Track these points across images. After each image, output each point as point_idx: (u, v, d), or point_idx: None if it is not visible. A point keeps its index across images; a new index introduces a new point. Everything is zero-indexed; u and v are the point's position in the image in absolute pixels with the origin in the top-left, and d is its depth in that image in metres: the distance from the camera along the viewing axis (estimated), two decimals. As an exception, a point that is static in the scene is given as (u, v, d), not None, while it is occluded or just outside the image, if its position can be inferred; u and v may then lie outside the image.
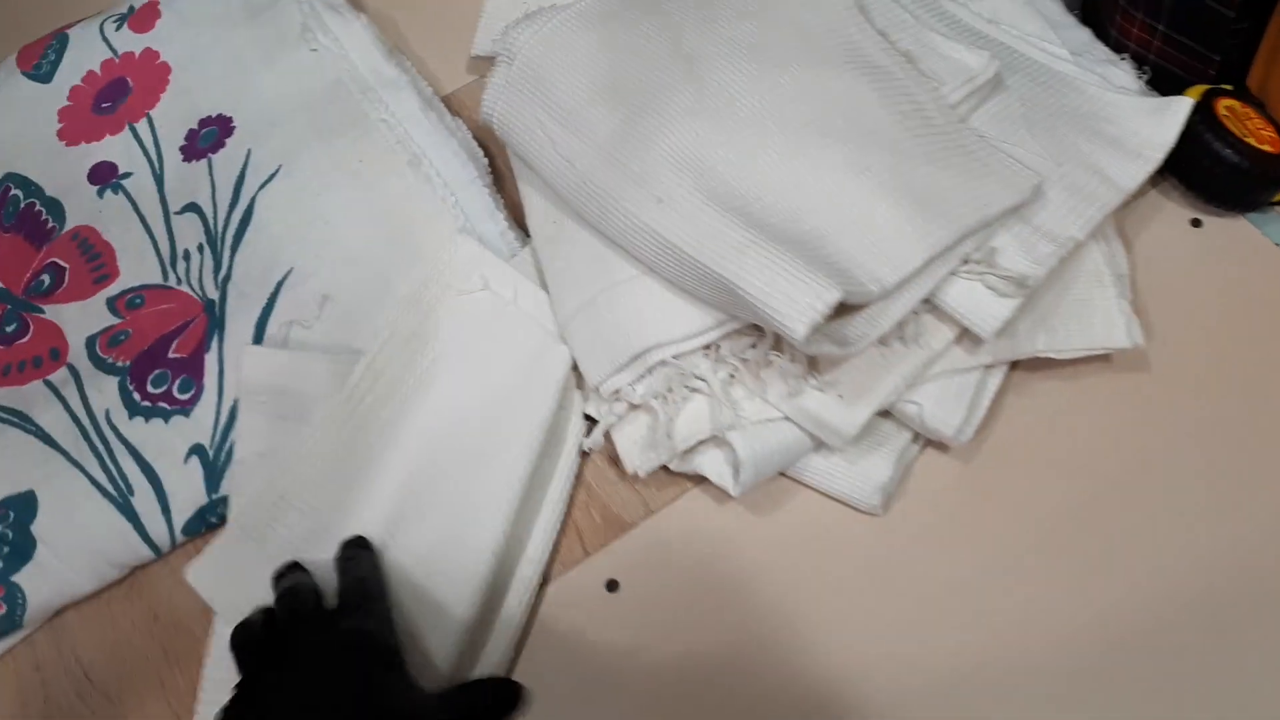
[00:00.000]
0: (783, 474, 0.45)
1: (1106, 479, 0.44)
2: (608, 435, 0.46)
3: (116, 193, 0.53)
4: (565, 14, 0.46)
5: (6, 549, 0.44)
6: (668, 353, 0.44)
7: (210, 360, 0.47)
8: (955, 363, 0.44)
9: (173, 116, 0.54)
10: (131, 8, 0.58)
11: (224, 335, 0.48)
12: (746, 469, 0.43)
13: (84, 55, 0.57)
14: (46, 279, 0.51)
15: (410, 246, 0.49)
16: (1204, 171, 0.47)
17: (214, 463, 0.46)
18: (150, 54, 0.56)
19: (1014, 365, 0.46)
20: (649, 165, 0.43)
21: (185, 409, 0.46)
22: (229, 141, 0.53)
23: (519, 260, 0.50)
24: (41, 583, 0.44)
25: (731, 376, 0.44)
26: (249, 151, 0.52)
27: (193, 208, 0.51)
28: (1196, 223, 0.49)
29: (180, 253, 0.50)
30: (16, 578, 0.44)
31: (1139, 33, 0.50)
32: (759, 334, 0.44)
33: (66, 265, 0.51)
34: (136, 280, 0.50)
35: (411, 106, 0.52)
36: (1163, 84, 0.50)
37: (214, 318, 0.48)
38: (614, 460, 0.46)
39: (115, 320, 0.49)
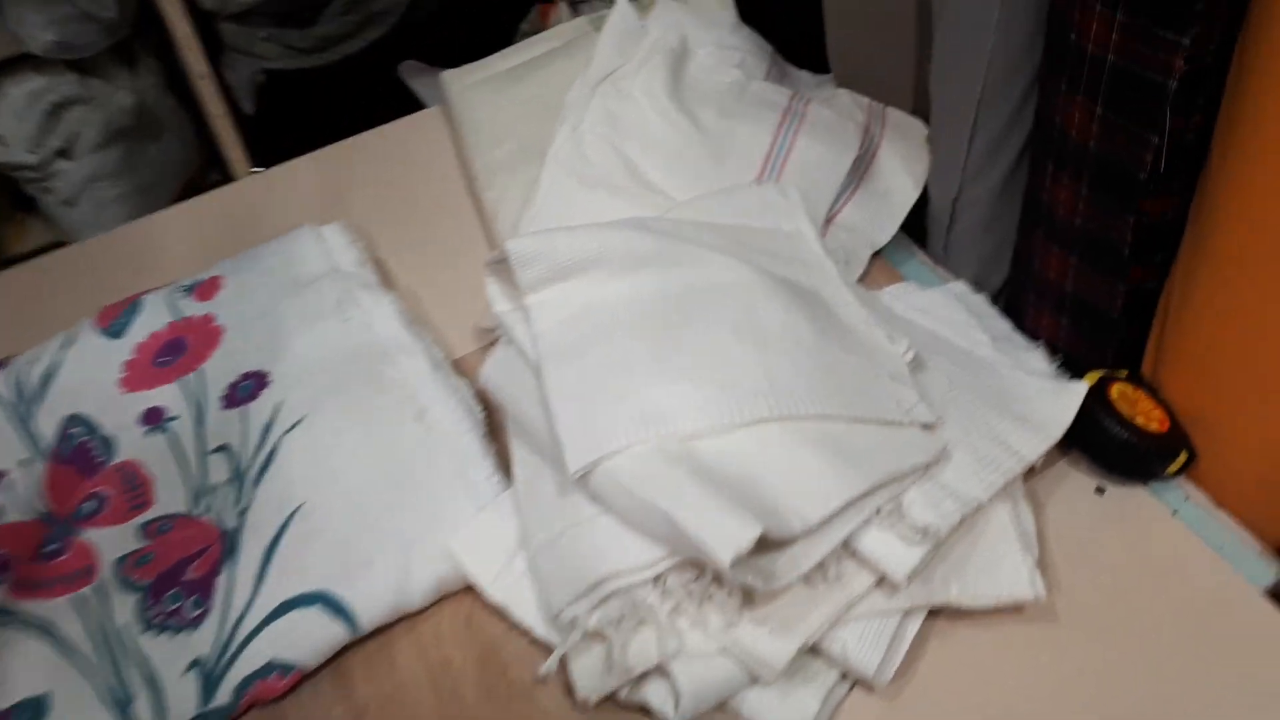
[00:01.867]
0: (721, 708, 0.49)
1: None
2: (562, 662, 0.51)
3: (162, 433, 0.60)
4: (547, 325, 0.57)
5: None
6: (621, 582, 0.49)
7: (221, 582, 0.52)
8: (876, 606, 0.49)
9: (219, 371, 0.62)
10: (198, 280, 0.67)
11: (236, 560, 0.53)
12: (686, 700, 0.47)
13: (153, 318, 0.65)
14: (90, 505, 0.57)
15: (407, 488, 0.56)
16: (1100, 447, 0.55)
17: (211, 674, 0.50)
18: (207, 318, 0.65)
19: (935, 613, 0.51)
20: (615, 423, 0.51)
21: (193, 625, 0.51)
22: (262, 394, 0.60)
23: (501, 500, 0.56)
24: None
25: (676, 608, 0.49)
26: (279, 403, 0.59)
27: (224, 449, 0.58)
28: (1100, 490, 0.56)
29: (209, 487, 0.57)
30: None
31: (1049, 323, 0.61)
32: (702, 569, 0.49)
33: (109, 494, 0.57)
34: (168, 510, 0.56)
35: (421, 367, 0.60)
36: (1070, 368, 0.58)
37: (228, 544, 0.54)
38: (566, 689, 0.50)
39: (144, 543, 0.55)
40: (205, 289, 0.67)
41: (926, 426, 0.52)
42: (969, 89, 0.59)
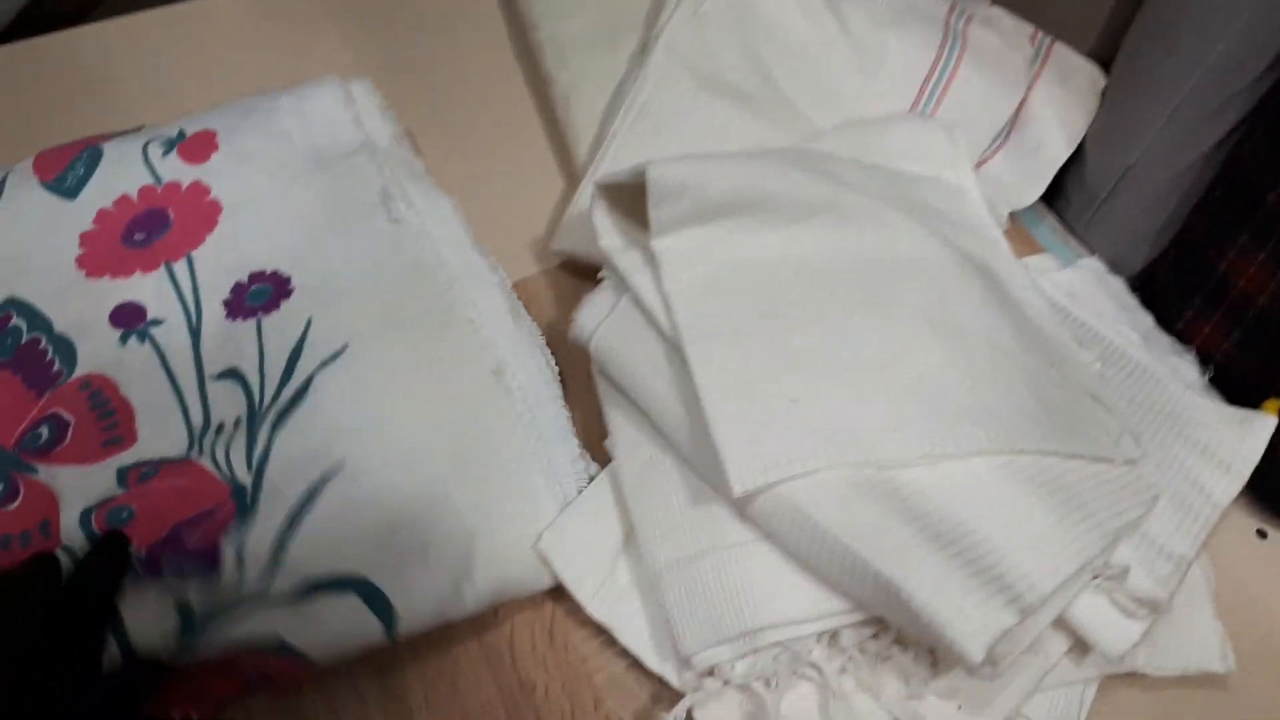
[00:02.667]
0: None
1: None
2: (690, 714, 0.41)
3: (143, 342, 0.45)
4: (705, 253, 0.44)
5: None
6: (783, 634, 0.40)
7: (228, 553, 0.40)
8: (1065, 675, 0.43)
9: (218, 263, 0.47)
10: (183, 133, 0.50)
11: (250, 526, 0.40)
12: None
13: (119, 176, 0.49)
14: (45, 432, 0.42)
15: (475, 462, 0.43)
16: (1273, 485, 0.48)
17: (197, 621, 0.39)
18: (199, 189, 0.49)
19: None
20: (793, 437, 0.41)
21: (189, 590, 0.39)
22: (285, 305, 0.46)
23: (596, 488, 0.45)
24: None
25: (843, 670, 0.41)
26: (310, 320, 0.45)
27: (234, 375, 0.44)
28: (1262, 534, 0.50)
29: (214, 426, 0.43)
30: None
31: (1211, 331, 0.52)
32: (881, 625, 0.41)
33: (71, 419, 0.43)
34: (155, 451, 0.42)
35: (500, 307, 0.47)
36: (1226, 386, 0.51)
37: (243, 506, 0.41)
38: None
39: (119, 491, 0.41)
40: (194, 147, 0.50)
41: (1130, 462, 0.44)
42: (1201, 49, 0.49)
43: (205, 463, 0.42)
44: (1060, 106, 0.57)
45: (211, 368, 0.45)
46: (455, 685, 0.43)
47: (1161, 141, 0.53)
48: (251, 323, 0.46)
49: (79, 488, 0.41)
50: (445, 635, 0.43)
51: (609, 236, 0.46)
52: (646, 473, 0.44)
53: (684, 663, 0.41)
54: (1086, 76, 0.57)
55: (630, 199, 0.46)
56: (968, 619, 0.35)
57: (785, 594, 0.40)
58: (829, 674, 0.40)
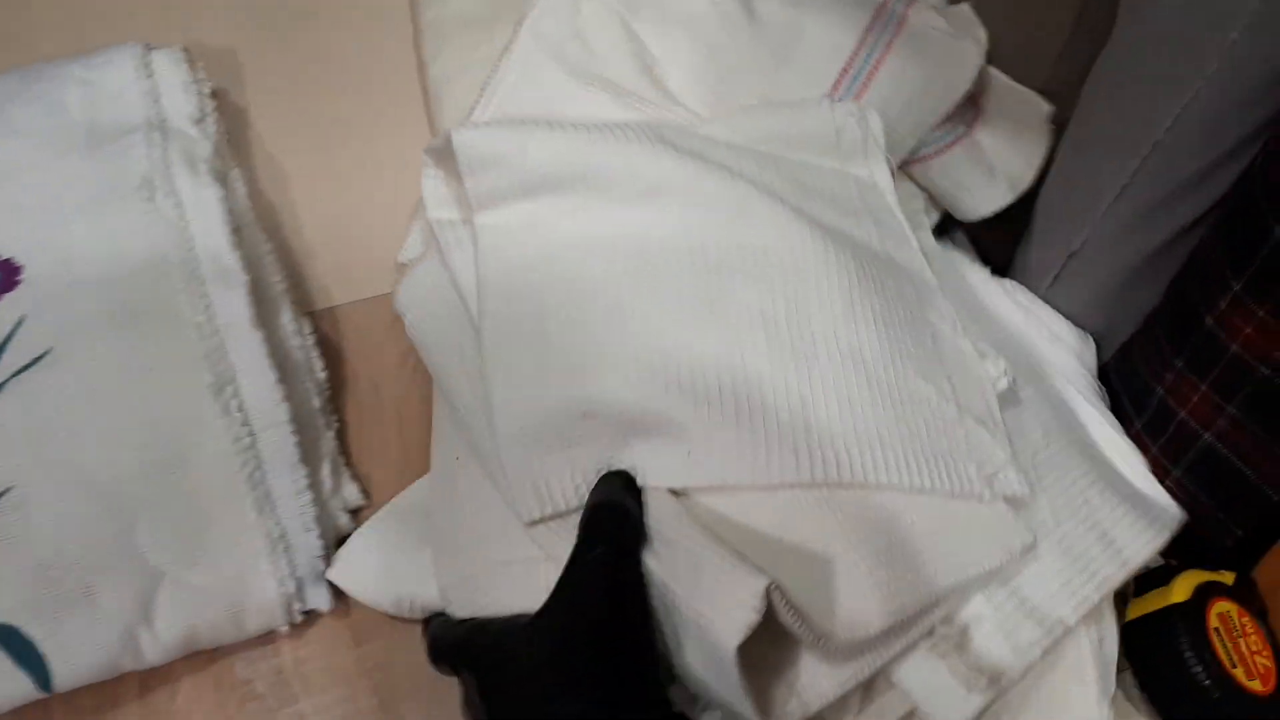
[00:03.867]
0: None
1: None
2: None
3: None
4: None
5: None
6: None
7: None
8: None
9: None
10: None
11: None
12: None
13: None
14: None
15: (171, 491, 0.39)
16: (1170, 691, 0.40)
17: None
18: None
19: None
20: (583, 463, 0.37)
21: None
22: (6, 299, 0.41)
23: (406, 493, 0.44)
24: None
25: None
26: (21, 319, 0.40)
27: None
28: None
29: None
30: None
31: (1199, 403, 0.43)
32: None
33: None
34: None
35: (240, 314, 0.42)
36: (1211, 469, 0.42)
37: None
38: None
39: None
40: None
41: (1012, 501, 0.38)
42: (1151, 121, 0.42)
43: None
44: (1014, 131, 0.51)
45: None
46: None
47: (1108, 225, 0.46)
48: None
49: None
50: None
51: (439, 208, 0.44)
52: (451, 477, 0.42)
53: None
54: (1034, 107, 0.51)
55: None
56: (728, 615, 0.32)
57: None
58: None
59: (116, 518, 0.38)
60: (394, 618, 0.43)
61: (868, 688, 0.37)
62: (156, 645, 0.38)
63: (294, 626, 0.42)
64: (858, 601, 0.34)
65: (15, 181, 0.43)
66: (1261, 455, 0.40)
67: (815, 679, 0.35)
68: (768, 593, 0.33)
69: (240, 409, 0.41)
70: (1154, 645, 0.40)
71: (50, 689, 0.37)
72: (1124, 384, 0.47)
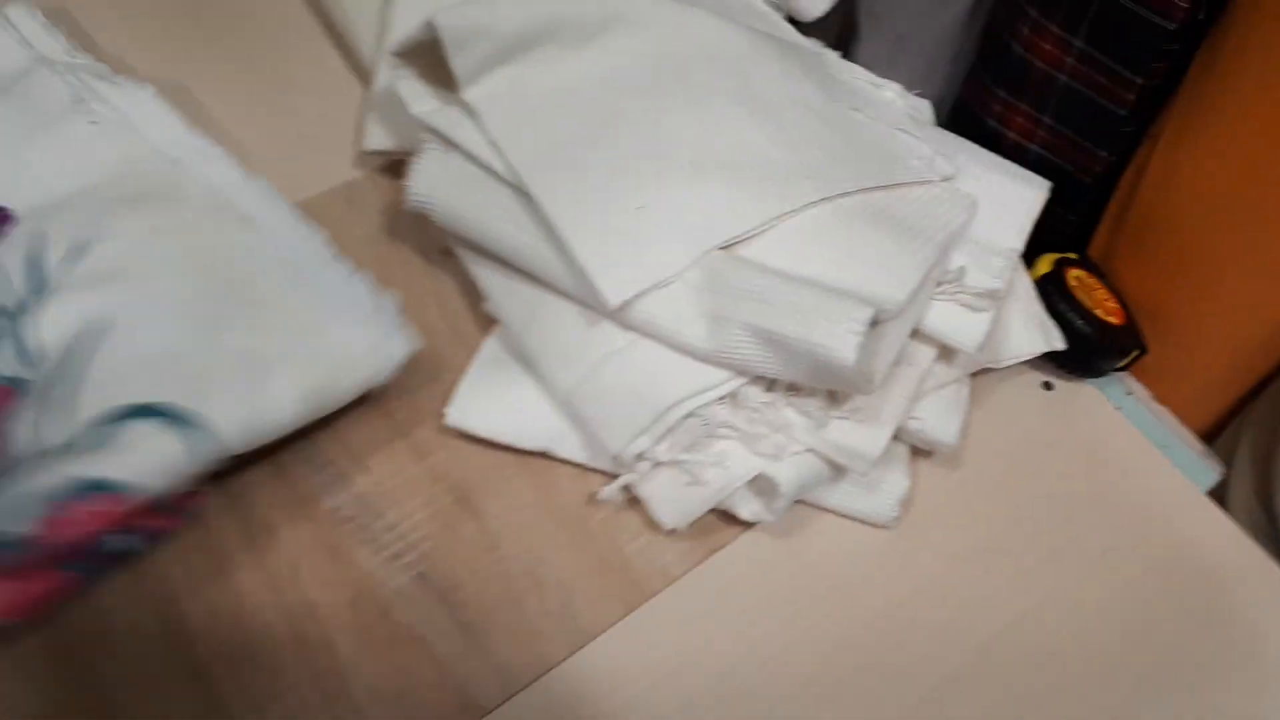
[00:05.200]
0: (803, 504, 0.47)
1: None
2: (631, 495, 0.46)
3: None
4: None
5: None
6: (689, 406, 0.44)
7: (17, 428, 0.40)
8: (939, 378, 0.48)
9: None
10: None
11: (32, 399, 0.40)
12: (783, 500, 0.44)
13: None
14: None
15: (250, 299, 0.45)
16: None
17: None
18: None
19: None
20: (651, 240, 0.45)
21: None
22: (12, 232, 0.45)
23: (487, 349, 0.49)
24: None
25: (754, 418, 0.45)
26: (39, 234, 0.45)
27: None
28: (1048, 385, 0.53)
29: None
30: None
31: (1022, 122, 0.56)
32: (771, 381, 0.45)
33: None
34: None
35: (233, 175, 0.48)
36: (1046, 174, 0.51)
37: (21, 391, 0.40)
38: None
39: None
40: None
41: (947, 179, 0.50)
42: None
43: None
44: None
45: None
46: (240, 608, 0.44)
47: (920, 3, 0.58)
48: None
49: None
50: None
51: (420, 101, 0.48)
52: (529, 313, 0.47)
53: (617, 461, 0.45)
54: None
55: (430, 63, 0.47)
56: (833, 334, 0.40)
57: (681, 373, 0.44)
58: (742, 426, 0.44)
59: (215, 327, 0.43)
60: (445, 431, 0.47)
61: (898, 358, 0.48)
62: (289, 405, 0.43)
63: (359, 459, 0.46)
64: (898, 263, 0.46)
65: None
66: (1075, 152, 0.55)
67: (890, 345, 0.45)
68: (866, 315, 0.40)
69: (274, 232, 0.47)
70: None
71: (220, 443, 0.40)
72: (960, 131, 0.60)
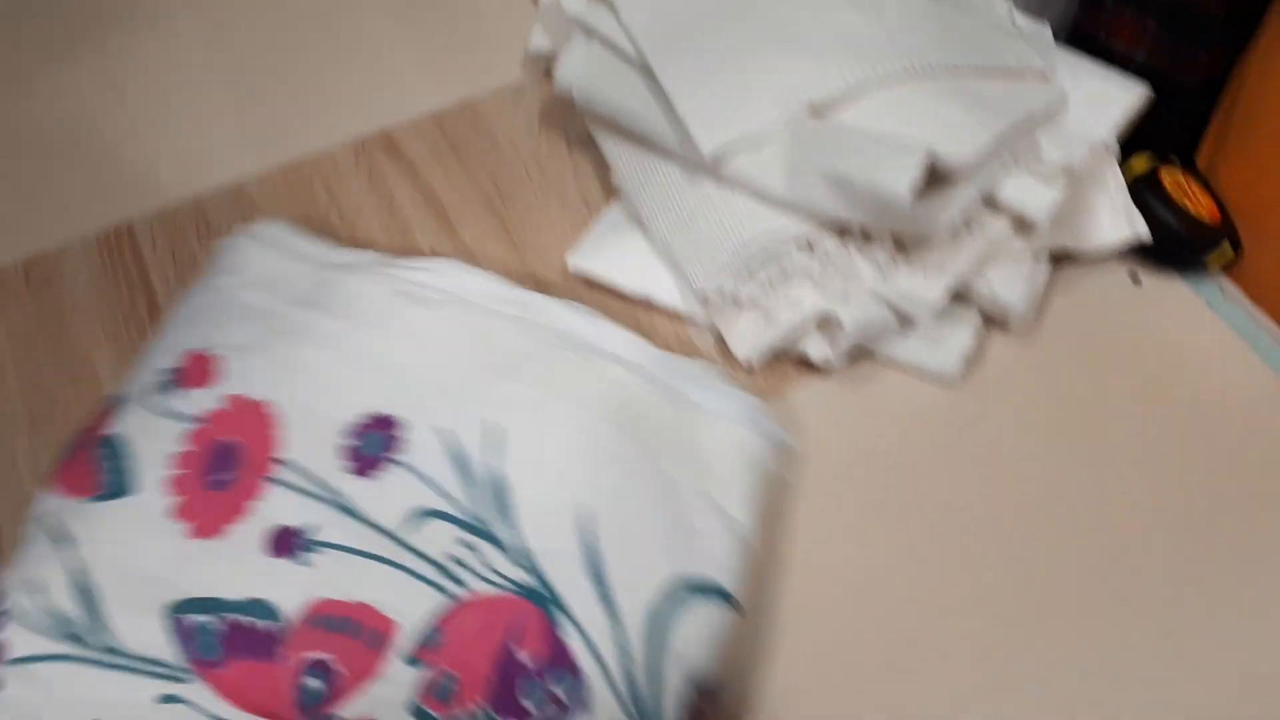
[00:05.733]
0: (871, 361, 0.52)
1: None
2: (717, 335, 0.52)
3: (315, 551, 0.40)
4: None
5: None
6: (768, 246, 0.50)
7: (572, 641, 0.38)
8: (1012, 251, 0.52)
9: (308, 447, 0.42)
10: (174, 369, 0.45)
11: (565, 606, 0.38)
12: (847, 338, 0.49)
13: (153, 443, 0.42)
14: (313, 683, 0.38)
15: (660, 438, 0.44)
16: (1153, 233, 0.53)
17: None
18: (238, 400, 0.43)
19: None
20: (746, 98, 0.52)
21: (583, 704, 0.37)
22: (404, 436, 0.42)
23: (612, 212, 0.57)
24: None
25: (827, 265, 0.51)
26: (448, 429, 0.42)
27: (420, 514, 0.41)
28: (1135, 278, 0.55)
29: (441, 560, 0.40)
30: None
31: (1127, 31, 0.57)
32: (846, 231, 0.51)
33: (327, 655, 0.38)
34: (418, 619, 0.39)
35: (575, 316, 0.48)
36: (1152, 81, 0.53)
37: (542, 598, 0.39)
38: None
39: (425, 673, 0.38)
40: (193, 373, 0.44)
41: (1042, 76, 0.54)
42: None
43: (477, 587, 0.39)
44: None
45: (390, 523, 0.41)
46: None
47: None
48: (395, 470, 0.42)
49: (387, 702, 0.37)
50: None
51: (574, 3, 0.57)
52: (644, 178, 0.55)
53: (703, 300, 0.52)
54: None
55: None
56: (890, 163, 0.46)
57: (764, 218, 0.51)
58: (814, 270, 0.50)
59: (651, 480, 0.43)
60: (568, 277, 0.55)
61: (969, 224, 0.53)
62: (743, 528, 0.43)
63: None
64: (970, 127, 0.50)
65: (312, 366, 0.45)
66: (1176, 56, 0.57)
67: (955, 201, 0.50)
68: (925, 156, 0.45)
69: (649, 373, 0.47)
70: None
71: (735, 601, 0.41)
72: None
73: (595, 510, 0.40)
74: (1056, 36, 0.57)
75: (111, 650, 0.38)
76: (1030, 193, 0.50)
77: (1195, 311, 0.54)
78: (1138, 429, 0.50)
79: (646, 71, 0.54)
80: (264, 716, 0.37)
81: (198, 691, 0.37)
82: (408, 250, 0.57)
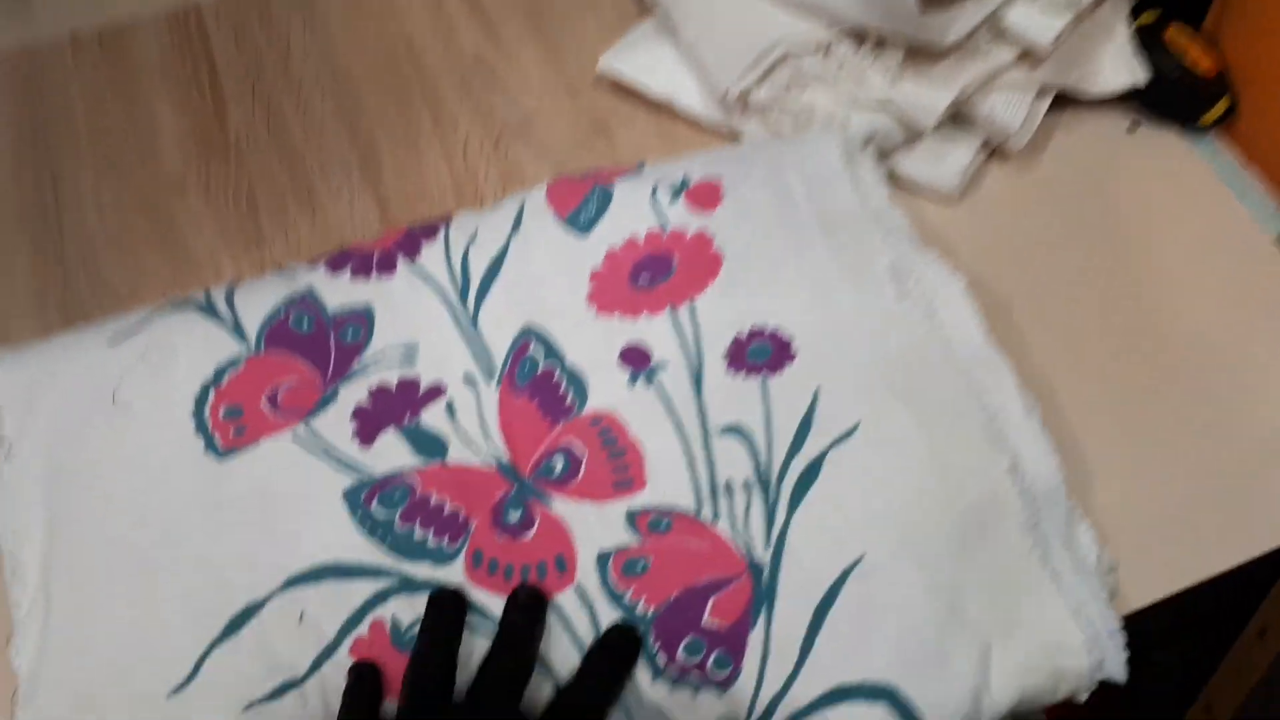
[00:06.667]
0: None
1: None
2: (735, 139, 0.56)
3: (649, 384, 0.43)
4: None
5: None
6: (787, 46, 0.54)
7: (754, 639, 0.38)
8: (1014, 80, 0.56)
9: (718, 314, 0.45)
10: (687, 179, 0.49)
11: (773, 614, 0.38)
12: (858, 139, 0.53)
13: (629, 218, 0.48)
14: (559, 464, 0.42)
15: (981, 563, 0.40)
16: (1151, 82, 0.55)
17: None
18: (703, 239, 0.47)
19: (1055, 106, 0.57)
20: None
21: (719, 688, 0.37)
22: (789, 368, 0.43)
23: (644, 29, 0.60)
24: None
25: (841, 71, 0.55)
26: (817, 390, 0.43)
27: (738, 432, 0.42)
28: (1135, 125, 0.57)
29: (722, 484, 0.41)
30: None
31: None
32: (862, 39, 0.54)
33: (584, 454, 0.42)
34: (663, 498, 0.41)
35: (1014, 399, 0.43)
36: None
37: (760, 588, 0.39)
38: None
39: (634, 540, 0.40)
40: (701, 194, 0.49)
41: None
42: None
43: (721, 527, 0.40)
44: None
45: (716, 420, 0.42)
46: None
47: None
48: (755, 381, 0.43)
49: (591, 526, 0.40)
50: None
51: None
52: None
53: (725, 103, 0.56)
54: None
55: None
56: None
57: (783, 21, 0.55)
58: (829, 74, 0.54)
59: (947, 586, 0.39)
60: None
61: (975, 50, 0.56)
62: (993, 707, 0.38)
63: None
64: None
65: (761, 260, 0.47)
66: None
67: (963, 15, 0.53)
68: None
69: (1029, 490, 0.41)
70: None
71: None
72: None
73: (871, 565, 0.39)
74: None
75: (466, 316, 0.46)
76: (1035, 22, 0.54)
77: (1189, 163, 0.57)
78: (1121, 264, 0.53)
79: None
80: (511, 448, 0.42)
81: (489, 393, 0.44)
82: (450, 49, 0.61)
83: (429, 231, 0.48)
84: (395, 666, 0.37)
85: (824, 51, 0.54)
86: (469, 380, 0.44)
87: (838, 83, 0.54)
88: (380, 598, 0.38)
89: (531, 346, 0.44)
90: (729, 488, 0.41)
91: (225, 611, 0.38)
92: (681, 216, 0.48)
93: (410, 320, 0.45)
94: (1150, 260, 0.53)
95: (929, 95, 0.53)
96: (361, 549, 0.39)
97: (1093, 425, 0.47)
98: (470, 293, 0.46)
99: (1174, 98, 0.57)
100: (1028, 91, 0.55)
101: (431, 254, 0.47)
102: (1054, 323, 0.50)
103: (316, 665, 0.37)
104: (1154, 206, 0.55)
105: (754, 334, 0.44)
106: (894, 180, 0.54)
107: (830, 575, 0.38)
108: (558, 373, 0.44)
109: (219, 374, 0.43)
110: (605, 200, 0.48)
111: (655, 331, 0.45)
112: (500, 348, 0.45)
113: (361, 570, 0.39)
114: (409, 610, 0.38)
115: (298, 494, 0.40)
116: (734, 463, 0.41)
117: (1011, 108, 0.54)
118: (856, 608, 0.38)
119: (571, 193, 0.48)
